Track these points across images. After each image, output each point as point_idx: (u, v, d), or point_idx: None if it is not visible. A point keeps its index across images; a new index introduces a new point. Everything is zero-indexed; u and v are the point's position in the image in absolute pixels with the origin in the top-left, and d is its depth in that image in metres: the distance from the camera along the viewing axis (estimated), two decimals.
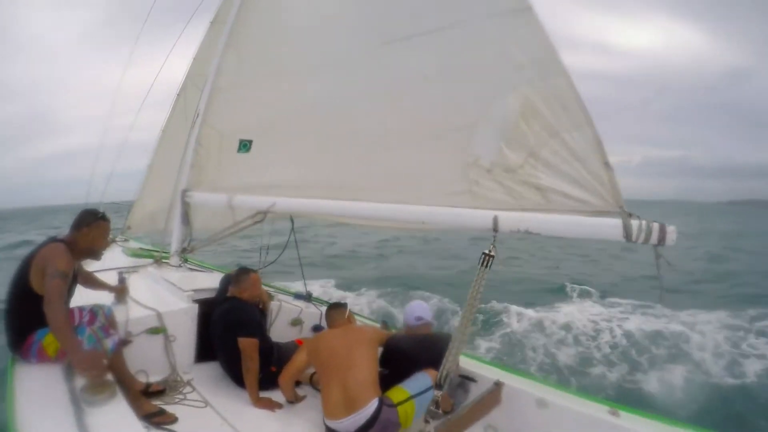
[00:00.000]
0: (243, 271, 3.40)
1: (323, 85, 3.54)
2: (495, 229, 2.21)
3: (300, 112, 3.64)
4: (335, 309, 3.16)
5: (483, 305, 7.73)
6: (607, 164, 2.23)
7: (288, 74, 3.82)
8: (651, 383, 5.67)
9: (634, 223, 1.99)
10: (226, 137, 4.25)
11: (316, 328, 4.02)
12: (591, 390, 5.17)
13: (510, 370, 3.21)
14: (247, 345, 3.03)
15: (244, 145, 4.03)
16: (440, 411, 2.20)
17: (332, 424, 2.58)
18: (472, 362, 3.21)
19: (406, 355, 2.93)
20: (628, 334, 7.05)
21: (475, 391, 2.96)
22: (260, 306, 3.55)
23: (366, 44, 3.27)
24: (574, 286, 10.48)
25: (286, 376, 2.95)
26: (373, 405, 2.51)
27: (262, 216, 3.54)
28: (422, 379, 2.68)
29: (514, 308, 7.94)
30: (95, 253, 2.72)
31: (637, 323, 7.56)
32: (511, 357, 6.35)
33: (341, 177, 3.21)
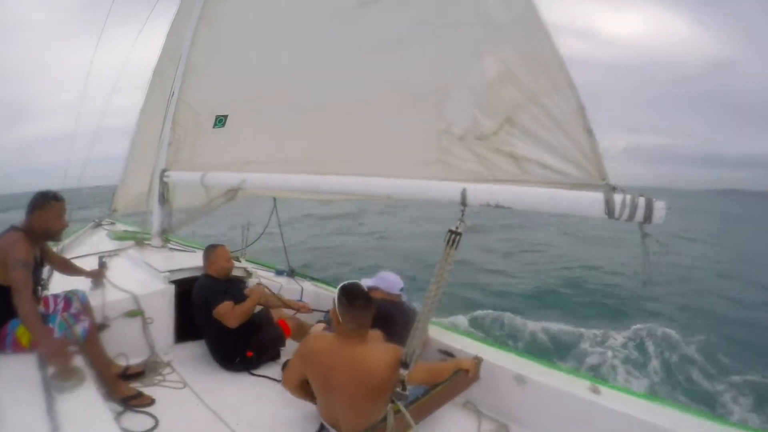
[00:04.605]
0: (209, 247, 3.36)
1: (296, 55, 3.33)
2: (463, 203, 2.01)
3: (273, 84, 3.45)
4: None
5: None
6: (589, 131, 1.98)
7: (261, 45, 3.63)
8: None
9: (617, 197, 1.75)
10: (202, 114, 4.07)
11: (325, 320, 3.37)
12: None
13: (490, 344, 3.12)
14: (222, 311, 2.99)
15: (220, 121, 3.85)
16: (405, 392, 2.04)
17: (328, 424, 2.31)
18: (453, 335, 3.11)
19: (390, 320, 2.73)
20: None
21: None
22: (230, 279, 3.40)
23: (340, 7, 3.05)
24: None
25: (292, 388, 2.44)
26: None
27: (233, 193, 3.38)
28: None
29: None
30: (52, 235, 2.64)
31: None
32: None
33: (312, 150, 3.03)
